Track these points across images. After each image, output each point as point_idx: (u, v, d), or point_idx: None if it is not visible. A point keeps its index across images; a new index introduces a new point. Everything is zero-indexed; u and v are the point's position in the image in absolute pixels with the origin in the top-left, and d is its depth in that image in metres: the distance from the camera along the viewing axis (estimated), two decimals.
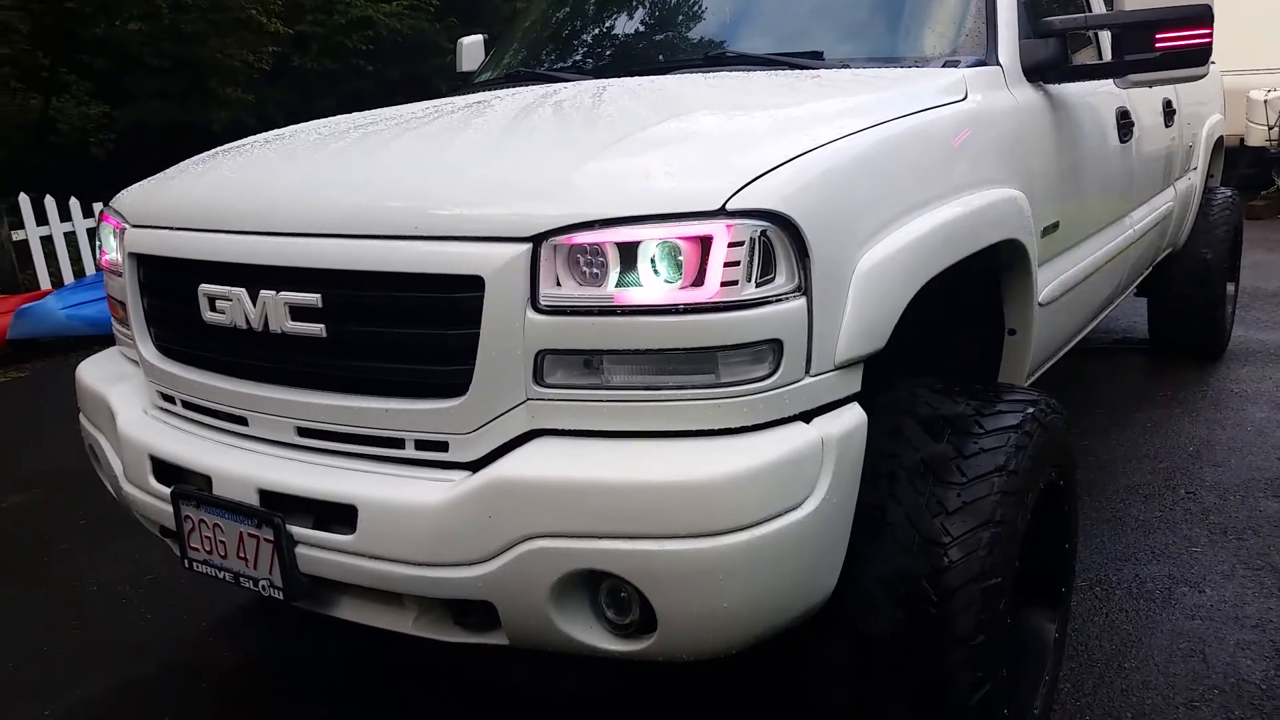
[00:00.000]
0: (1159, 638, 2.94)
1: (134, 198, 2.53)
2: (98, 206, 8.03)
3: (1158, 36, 2.70)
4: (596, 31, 3.61)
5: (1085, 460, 4.18)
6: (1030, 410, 2.17)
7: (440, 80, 12.93)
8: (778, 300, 1.78)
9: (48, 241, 8.53)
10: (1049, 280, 2.87)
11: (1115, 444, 4.46)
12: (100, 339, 2.77)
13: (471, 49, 4.27)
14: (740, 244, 1.74)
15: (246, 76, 11.68)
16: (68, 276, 8.56)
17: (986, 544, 1.95)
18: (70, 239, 8.72)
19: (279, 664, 3.11)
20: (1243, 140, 10.40)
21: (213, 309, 2.14)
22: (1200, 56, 2.71)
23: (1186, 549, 3.47)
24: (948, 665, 1.95)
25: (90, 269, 8.57)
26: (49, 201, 8.48)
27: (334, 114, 3.19)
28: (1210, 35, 2.68)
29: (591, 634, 1.88)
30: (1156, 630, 2.98)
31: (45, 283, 8.38)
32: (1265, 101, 10.37)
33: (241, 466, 2.11)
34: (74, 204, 8.64)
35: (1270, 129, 10.39)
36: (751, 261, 1.75)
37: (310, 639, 3.15)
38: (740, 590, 1.77)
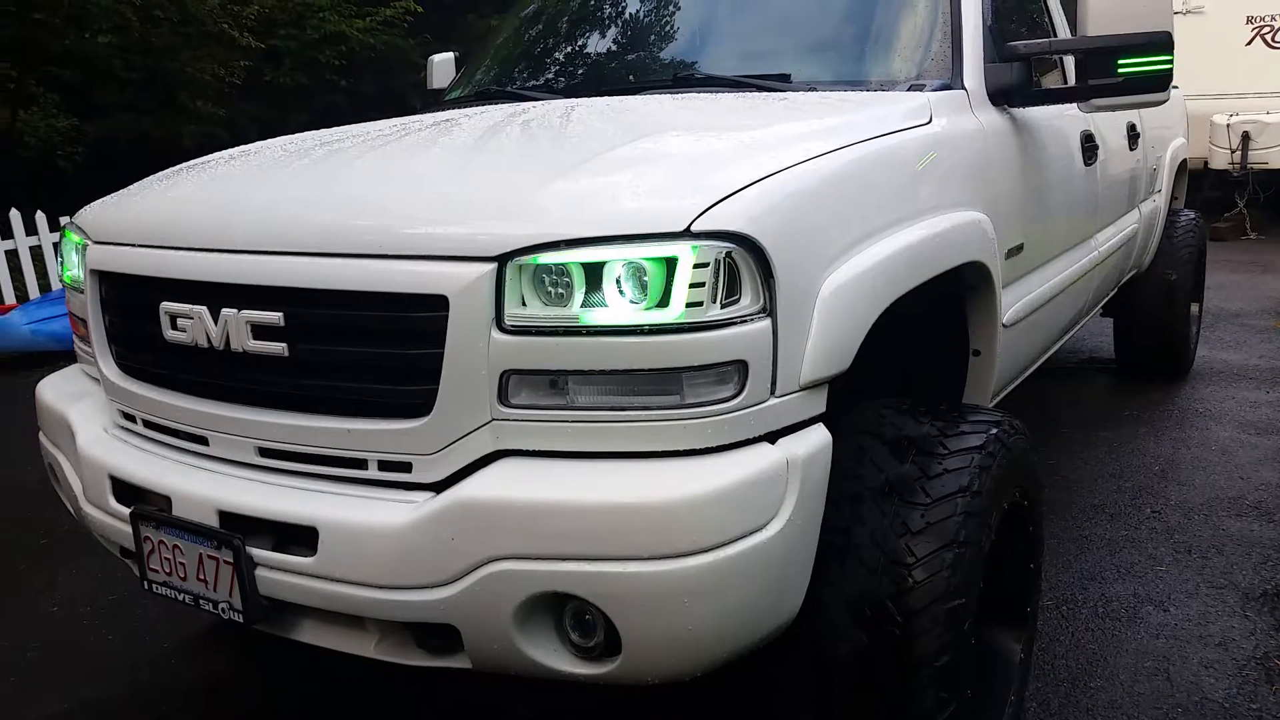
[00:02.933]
0: (1124, 657, 2.95)
1: (96, 214, 2.50)
2: (65, 220, 7.94)
3: (1120, 62, 2.74)
4: (567, 51, 3.61)
5: (1051, 479, 4.21)
6: (994, 431, 2.18)
7: (414, 96, 12.91)
8: (742, 321, 1.78)
9: (13, 255, 8.43)
10: (1013, 302, 2.89)
11: (1081, 463, 4.49)
12: (66, 354, 2.74)
13: (442, 66, 4.27)
14: (705, 265, 1.74)
15: (218, 91, 11.61)
16: (34, 291, 8.46)
17: (950, 564, 1.96)
18: (36, 253, 8.61)
19: (242, 686, 3.07)
20: (1206, 163, 10.57)
21: (174, 327, 2.11)
22: (1161, 82, 2.75)
23: (1152, 568, 3.50)
24: (912, 686, 1.95)
25: (57, 284, 8.47)
26: (14, 215, 8.38)
27: (307, 129, 3.17)
28: (1170, 62, 2.72)
29: (556, 657, 1.87)
30: (1122, 649, 3.00)
31: (10, 297, 8.27)
32: (1228, 126, 10.54)
33: (201, 487, 2.08)
34: (40, 218, 8.54)
35: (1233, 153, 10.55)
36: (716, 283, 1.76)
37: (275, 660, 3.11)
38: (705, 612, 1.76)
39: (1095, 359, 6.26)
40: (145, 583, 2.19)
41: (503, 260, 1.79)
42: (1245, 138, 10.49)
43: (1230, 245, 10.42)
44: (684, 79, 3.01)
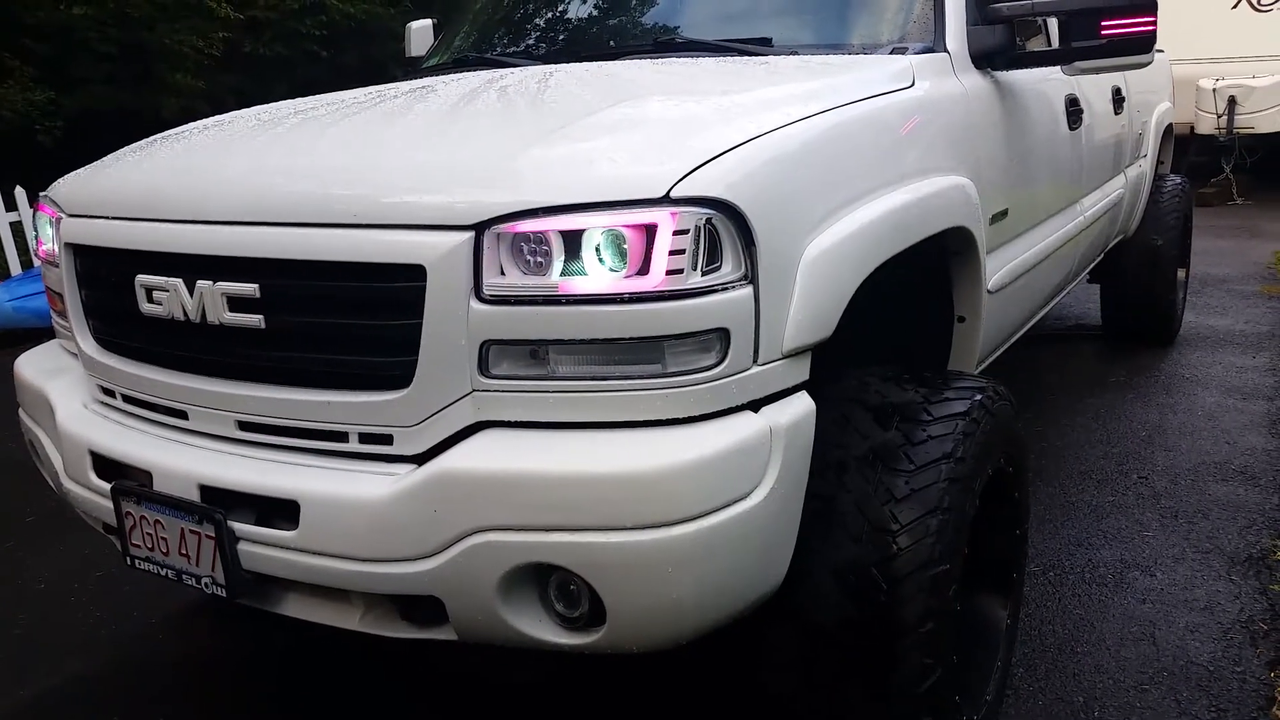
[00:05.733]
0: (1111, 622, 2.97)
1: (70, 186, 2.47)
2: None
3: (1103, 24, 2.71)
4: (546, 17, 3.56)
5: (1038, 446, 4.22)
6: (978, 397, 2.18)
7: (396, 66, 12.77)
8: (724, 289, 1.77)
9: None
10: (998, 267, 2.88)
11: (1068, 429, 4.50)
12: (49, 332, 2.72)
13: (420, 34, 4.21)
14: (685, 232, 1.72)
15: (197, 63, 11.46)
16: (15, 268, 8.37)
17: (935, 531, 1.96)
18: (16, 229, 8.51)
19: (231, 661, 3.06)
20: (1193, 128, 10.53)
21: (150, 300, 2.09)
22: (1144, 44, 2.73)
23: (1138, 533, 3.51)
24: (897, 652, 1.96)
25: (38, 261, 8.38)
26: None
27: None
28: (1154, 23, 2.69)
29: (540, 627, 1.86)
30: (1108, 614, 3.01)
31: None
32: (1214, 90, 10.50)
33: (182, 462, 2.06)
34: (19, 193, 8.44)
35: (1219, 117, 10.52)
36: (697, 250, 1.74)
37: (264, 634, 3.10)
38: (689, 581, 1.76)
39: (1082, 325, 6.26)
40: (128, 558, 2.18)
41: (480, 229, 1.76)
42: (1232, 102, 10.45)
43: (1217, 210, 10.43)
44: (664, 44, 2.97)
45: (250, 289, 1.94)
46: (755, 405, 1.85)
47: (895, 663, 1.96)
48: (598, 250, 1.74)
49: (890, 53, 2.72)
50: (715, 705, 2.66)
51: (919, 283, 2.63)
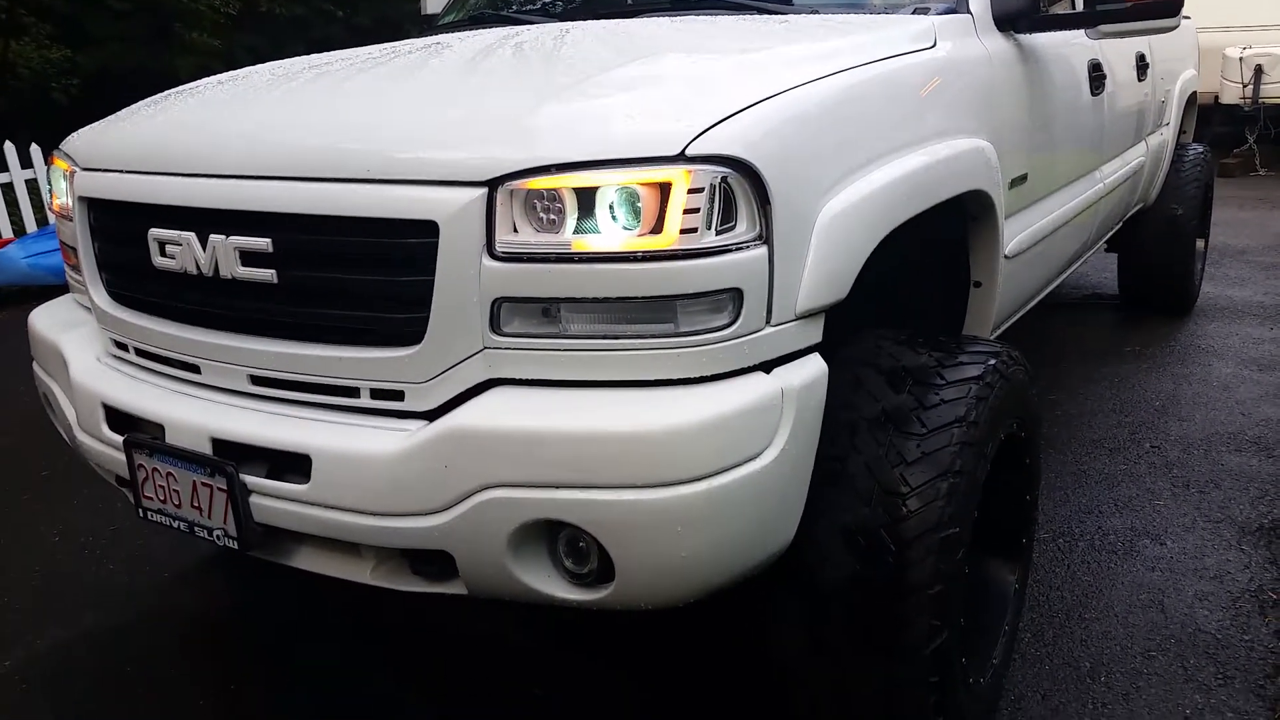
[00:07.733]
0: (1119, 589, 2.97)
1: (84, 140, 2.46)
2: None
3: None
4: None
5: (1051, 414, 4.21)
6: (992, 362, 2.16)
7: (412, 25, 12.70)
8: (738, 249, 1.75)
9: (8, 189, 8.35)
10: (1016, 233, 2.85)
11: (1082, 398, 4.49)
12: (64, 288, 2.73)
13: None
14: (700, 190, 1.71)
15: (213, 22, 11.43)
16: (30, 225, 8.40)
17: (945, 494, 1.95)
18: (32, 186, 8.53)
19: (244, 613, 3.10)
20: (1217, 98, 10.39)
21: (163, 254, 2.08)
22: (1171, 7, 2.69)
23: (1149, 502, 3.51)
24: (904, 614, 1.95)
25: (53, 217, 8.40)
26: (9, 147, 8.29)
27: None
28: None
29: (550, 583, 1.87)
30: (1117, 581, 3.01)
31: (7, 231, 8.22)
32: (1240, 59, 10.34)
33: (194, 415, 2.07)
34: (35, 150, 8.45)
35: (1244, 87, 10.37)
36: (712, 209, 1.72)
37: (274, 588, 3.13)
38: (698, 540, 1.76)
39: (1099, 294, 6.22)
40: (140, 510, 2.19)
41: (493, 185, 1.75)
42: (1258, 71, 10.29)
43: (1239, 181, 10.31)
44: (683, 1, 2.94)
45: (263, 243, 1.93)
46: (767, 366, 1.84)
47: (902, 624, 1.96)
48: (611, 208, 1.72)
49: (913, 12, 2.68)
50: (720, 670, 2.68)
51: (936, 246, 2.60)
